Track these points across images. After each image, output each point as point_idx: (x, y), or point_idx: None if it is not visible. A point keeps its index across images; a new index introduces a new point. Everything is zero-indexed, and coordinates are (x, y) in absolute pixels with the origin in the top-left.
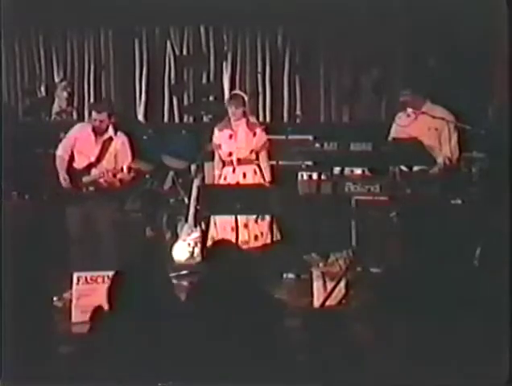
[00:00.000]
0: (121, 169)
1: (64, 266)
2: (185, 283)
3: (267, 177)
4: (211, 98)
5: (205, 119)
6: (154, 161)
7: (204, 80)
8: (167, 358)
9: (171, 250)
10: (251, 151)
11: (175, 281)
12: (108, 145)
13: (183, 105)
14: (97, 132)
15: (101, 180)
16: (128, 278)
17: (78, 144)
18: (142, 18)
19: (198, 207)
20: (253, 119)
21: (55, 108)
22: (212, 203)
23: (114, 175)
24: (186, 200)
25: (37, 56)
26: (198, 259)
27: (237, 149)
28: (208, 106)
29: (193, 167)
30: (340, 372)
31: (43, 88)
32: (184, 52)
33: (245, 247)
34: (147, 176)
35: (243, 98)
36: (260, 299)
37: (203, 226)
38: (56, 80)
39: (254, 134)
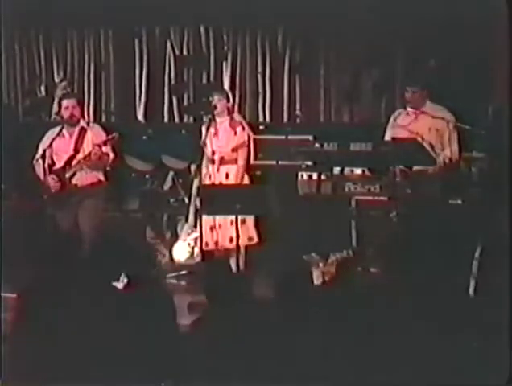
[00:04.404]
0: (103, 143)
1: (64, 266)
2: (185, 283)
3: (239, 177)
4: (211, 98)
5: (205, 119)
6: (154, 161)
7: (204, 80)
8: (168, 358)
9: (171, 250)
10: (232, 150)
11: (174, 281)
12: (83, 136)
13: (183, 105)
14: (71, 123)
15: (87, 159)
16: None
17: (54, 145)
18: (142, 18)
19: (198, 207)
20: (238, 117)
21: (55, 108)
22: (212, 203)
23: (94, 151)
24: (186, 200)
25: (37, 56)
26: (198, 259)
27: (219, 148)
28: (208, 106)
29: (193, 167)
30: (341, 372)
31: (43, 88)
32: (184, 52)
33: (219, 247)
34: (147, 176)
35: (227, 93)
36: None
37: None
38: (56, 80)
39: (235, 133)
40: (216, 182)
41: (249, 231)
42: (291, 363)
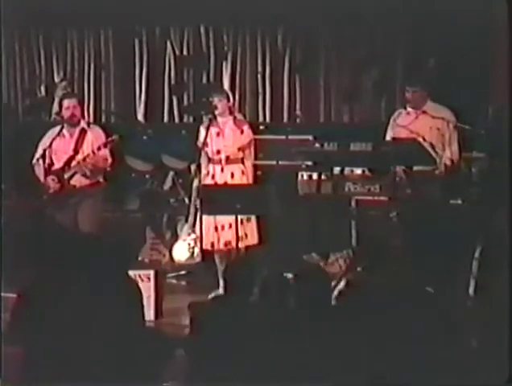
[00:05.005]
0: (103, 145)
1: (63, 266)
2: (185, 283)
3: (249, 178)
4: (211, 98)
5: (205, 119)
6: (154, 161)
7: (204, 80)
8: (167, 357)
9: (171, 250)
10: (239, 149)
11: (174, 281)
12: (83, 137)
13: (183, 105)
14: (71, 123)
15: (86, 162)
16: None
17: (54, 145)
18: (142, 18)
19: (198, 207)
20: (239, 116)
21: (55, 108)
22: (211, 203)
23: (94, 153)
24: (186, 200)
25: (37, 56)
26: (198, 259)
27: (225, 147)
28: (208, 106)
29: (193, 167)
30: (341, 372)
31: (43, 88)
32: (184, 52)
33: (228, 247)
34: (147, 176)
35: (227, 93)
36: (261, 299)
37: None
38: (56, 80)
39: (242, 132)
40: (221, 182)
41: (254, 230)
42: (290, 364)
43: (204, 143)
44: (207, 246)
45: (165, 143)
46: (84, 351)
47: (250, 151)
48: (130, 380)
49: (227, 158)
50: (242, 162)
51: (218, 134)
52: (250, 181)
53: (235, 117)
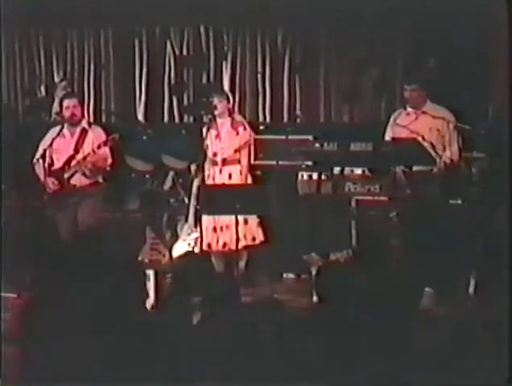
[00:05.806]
0: (104, 143)
1: (63, 266)
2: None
3: (246, 178)
4: (211, 98)
5: (205, 119)
6: (154, 161)
7: (204, 80)
8: (167, 358)
9: (171, 250)
10: (235, 151)
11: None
12: (84, 137)
13: (183, 105)
14: (72, 123)
15: (86, 161)
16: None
17: (54, 145)
18: (142, 18)
19: (198, 207)
20: (238, 117)
21: (55, 108)
22: (211, 203)
23: (94, 152)
24: (186, 200)
25: (37, 56)
26: None
27: (221, 150)
28: (208, 106)
29: (193, 167)
30: (341, 372)
31: (43, 88)
32: (184, 52)
33: (227, 248)
34: (147, 176)
35: (227, 94)
36: (260, 299)
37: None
38: (56, 80)
39: (237, 133)
40: (219, 183)
41: (252, 231)
42: (290, 364)
43: (205, 145)
44: (204, 247)
45: (165, 143)
46: (84, 350)
47: (247, 151)
48: (129, 380)
49: (224, 160)
50: (240, 163)
51: (216, 137)
52: (247, 180)
53: (233, 119)
